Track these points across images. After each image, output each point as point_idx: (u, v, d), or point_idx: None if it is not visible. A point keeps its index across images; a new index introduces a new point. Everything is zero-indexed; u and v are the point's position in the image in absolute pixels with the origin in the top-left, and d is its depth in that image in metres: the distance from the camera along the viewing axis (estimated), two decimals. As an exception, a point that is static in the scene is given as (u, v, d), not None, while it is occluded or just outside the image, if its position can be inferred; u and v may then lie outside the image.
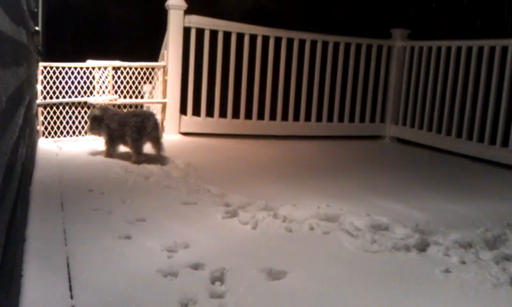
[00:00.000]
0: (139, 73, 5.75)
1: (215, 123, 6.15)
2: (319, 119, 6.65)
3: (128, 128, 4.45)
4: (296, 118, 6.54)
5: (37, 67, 5.21)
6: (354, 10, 8.09)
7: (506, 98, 5.30)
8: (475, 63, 5.67)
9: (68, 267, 2.26)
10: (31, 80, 4.50)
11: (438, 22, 7.54)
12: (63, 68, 5.37)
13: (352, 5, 8.11)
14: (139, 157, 4.44)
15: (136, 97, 5.76)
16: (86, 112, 5.44)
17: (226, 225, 2.96)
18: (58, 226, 2.76)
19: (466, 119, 5.73)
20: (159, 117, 5.77)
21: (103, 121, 4.60)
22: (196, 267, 2.32)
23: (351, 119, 6.82)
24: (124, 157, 4.57)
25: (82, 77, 5.43)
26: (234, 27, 6.11)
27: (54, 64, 5.34)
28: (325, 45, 6.55)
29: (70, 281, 2.13)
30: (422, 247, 2.73)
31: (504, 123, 5.28)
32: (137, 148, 4.48)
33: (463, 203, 3.79)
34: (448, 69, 6.01)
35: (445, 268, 2.47)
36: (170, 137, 5.75)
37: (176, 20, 5.82)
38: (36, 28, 4.83)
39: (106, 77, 5.51)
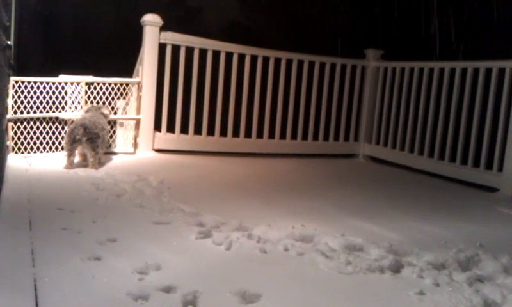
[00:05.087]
0: (112, 88, 5.68)
1: (189, 140, 6.11)
2: (293, 137, 6.67)
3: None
4: (271, 135, 6.54)
5: (8, 81, 5.10)
6: (328, 30, 8.18)
7: (477, 119, 5.39)
8: (447, 84, 5.76)
9: (35, 289, 2.19)
10: (2, 95, 4.40)
11: (411, 44, 7.66)
12: (35, 82, 5.27)
13: (328, 25, 8.20)
14: (67, 161, 4.74)
15: (109, 113, 5.67)
16: (57, 128, 5.35)
17: (199, 246, 2.91)
18: (26, 246, 2.67)
19: (438, 139, 5.81)
20: (132, 133, 5.72)
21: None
22: (168, 289, 2.26)
23: (326, 138, 6.86)
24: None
25: (54, 92, 5.34)
26: (210, 44, 6.10)
27: (26, 79, 5.23)
28: (300, 63, 6.59)
29: (37, 304, 2.06)
30: (396, 269, 2.73)
31: (475, 143, 5.37)
32: (66, 151, 4.77)
33: (436, 223, 3.82)
34: (421, 90, 6.10)
35: (419, 291, 2.47)
36: (143, 154, 5.69)
37: (152, 36, 5.79)
38: (8, 42, 4.75)
39: (79, 92, 5.43)
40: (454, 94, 5.67)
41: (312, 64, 6.66)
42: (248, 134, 6.41)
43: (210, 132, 6.21)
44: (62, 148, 5.06)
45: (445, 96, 5.78)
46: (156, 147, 5.89)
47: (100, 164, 4.86)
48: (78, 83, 5.44)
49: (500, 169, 5.08)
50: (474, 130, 5.39)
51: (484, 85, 5.36)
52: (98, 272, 2.41)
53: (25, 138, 5.26)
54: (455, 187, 5.40)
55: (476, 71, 5.46)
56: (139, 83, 5.80)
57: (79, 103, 5.43)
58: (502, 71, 5.19)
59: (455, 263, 2.83)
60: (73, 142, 4.72)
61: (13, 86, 5.18)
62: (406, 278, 2.65)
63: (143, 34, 5.80)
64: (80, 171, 4.63)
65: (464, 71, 5.59)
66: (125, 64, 6.25)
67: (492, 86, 5.25)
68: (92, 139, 4.74)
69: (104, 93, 5.60)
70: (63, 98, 5.38)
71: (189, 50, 5.98)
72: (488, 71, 5.34)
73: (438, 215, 4.13)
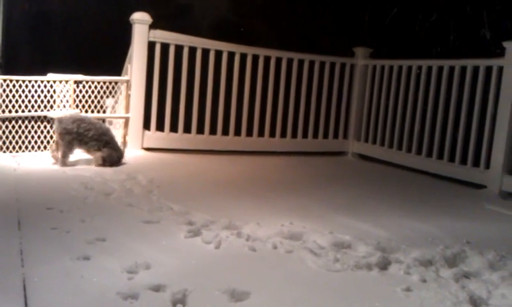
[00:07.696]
0: (101, 87, 5.66)
1: (179, 139, 6.10)
2: (283, 135, 6.69)
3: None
4: (261, 133, 6.56)
5: (-5, 80, 5.08)
6: (318, 28, 8.19)
7: (464, 117, 5.44)
8: (435, 82, 5.81)
9: (24, 289, 2.19)
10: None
11: (400, 42, 7.70)
12: (23, 81, 5.24)
13: (317, 23, 8.21)
14: (62, 160, 4.78)
15: (98, 112, 5.66)
16: (45, 127, 5.33)
17: (188, 244, 2.92)
18: (15, 246, 2.68)
19: (426, 136, 5.85)
20: (121, 132, 5.71)
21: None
22: (158, 288, 2.27)
23: (315, 136, 6.89)
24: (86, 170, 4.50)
25: (42, 91, 5.32)
26: (199, 42, 6.10)
27: (14, 78, 5.21)
28: (290, 61, 6.61)
29: (26, 305, 2.07)
30: (384, 266, 2.75)
31: (462, 141, 5.42)
32: (62, 152, 4.79)
33: (423, 220, 3.86)
34: (409, 88, 6.15)
35: (406, 287, 2.50)
36: (133, 153, 5.67)
37: (141, 35, 5.78)
38: (-5, 40, 4.72)
39: (67, 91, 5.41)
40: (441, 92, 5.71)
41: (301, 62, 6.68)
42: (237, 132, 6.42)
43: (200, 130, 6.21)
44: (51, 147, 5.03)
45: (433, 94, 5.82)
46: (145, 146, 5.88)
47: (65, 163, 4.83)
48: (66, 81, 5.42)
49: (487, 166, 5.14)
50: (461, 128, 5.44)
51: (472, 83, 5.40)
52: (88, 272, 2.41)
53: (13, 137, 5.24)
54: (442, 184, 5.45)
55: (463, 69, 5.51)
56: (128, 81, 5.79)
57: (67, 101, 5.41)
58: (489, 69, 5.24)
59: (442, 260, 2.86)
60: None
61: (1, 85, 5.16)
62: (393, 275, 2.68)
63: (132, 32, 5.79)
64: (69, 170, 4.62)
65: (451, 69, 5.63)
66: (113, 63, 6.22)
67: (479, 83, 5.29)
68: (61, 134, 4.79)
69: (92, 92, 5.58)
70: (51, 96, 5.37)
71: (179, 48, 5.98)
72: (476, 69, 5.39)
73: (426, 212, 4.16)
